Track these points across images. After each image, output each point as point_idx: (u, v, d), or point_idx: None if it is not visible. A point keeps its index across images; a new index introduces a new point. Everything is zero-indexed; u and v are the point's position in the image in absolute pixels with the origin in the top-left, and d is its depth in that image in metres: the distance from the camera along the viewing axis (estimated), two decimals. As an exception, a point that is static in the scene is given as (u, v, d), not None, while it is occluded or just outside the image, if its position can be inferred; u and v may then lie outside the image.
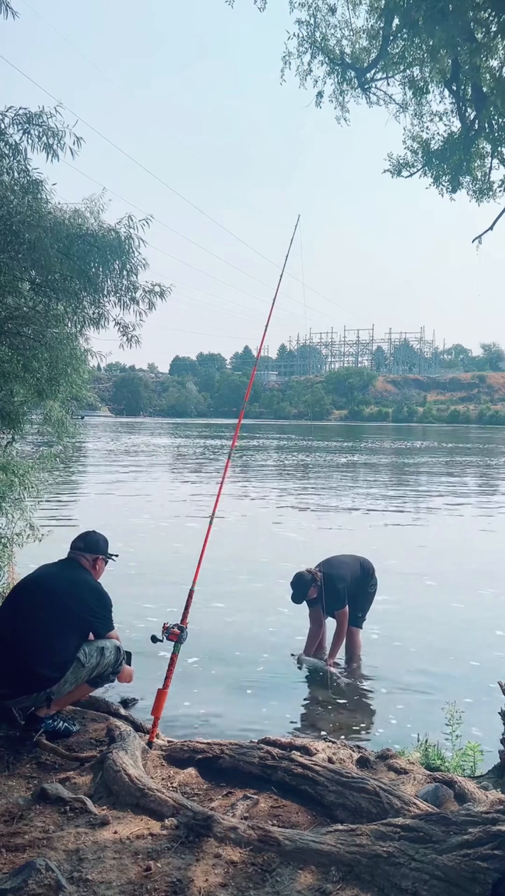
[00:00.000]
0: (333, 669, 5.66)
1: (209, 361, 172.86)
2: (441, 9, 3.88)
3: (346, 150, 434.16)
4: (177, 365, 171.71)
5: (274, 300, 4.76)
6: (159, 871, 2.43)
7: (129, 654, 3.98)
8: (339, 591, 5.73)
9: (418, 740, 4.13)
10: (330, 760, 3.51)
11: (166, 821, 2.75)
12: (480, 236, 6.04)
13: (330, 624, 5.98)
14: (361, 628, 6.03)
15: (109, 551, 4.10)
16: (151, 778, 3.18)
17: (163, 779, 3.29)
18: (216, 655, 5.90)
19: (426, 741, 4.07)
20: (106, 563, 4.07)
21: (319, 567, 5.90)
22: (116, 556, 4.15)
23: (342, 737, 4.41)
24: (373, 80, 6.30)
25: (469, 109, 5.50)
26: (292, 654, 5.94)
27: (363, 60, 6.26)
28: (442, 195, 6.14)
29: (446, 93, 5.84)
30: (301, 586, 5.72)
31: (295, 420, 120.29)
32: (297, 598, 5.78)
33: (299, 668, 5.76)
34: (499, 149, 5.57)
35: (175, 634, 3.69)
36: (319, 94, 6.44)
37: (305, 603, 5.95)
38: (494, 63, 5.09)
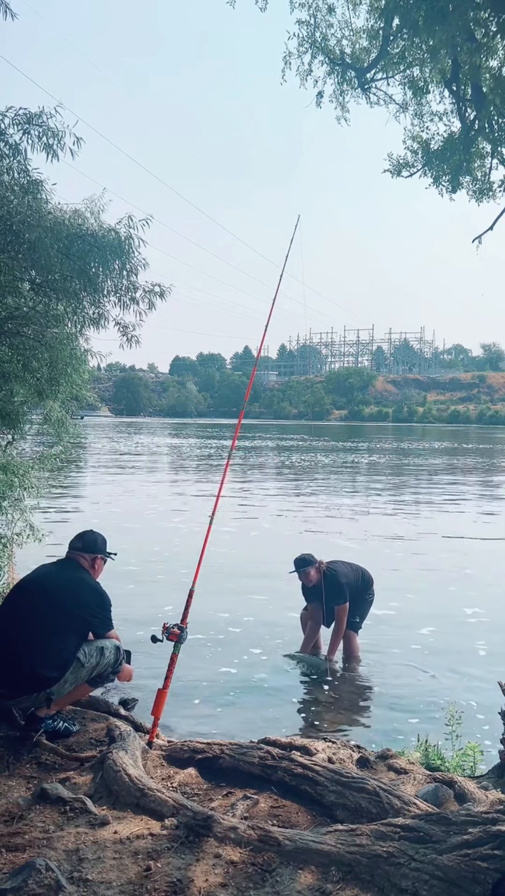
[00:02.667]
0: (334, 666, 5.67)
1: (209, 361, 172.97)
2: (441, 9, 3.87)
3: (346, 150, 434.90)
4: (177, 365, 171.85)
5: (274, 300, 4.77)
6: (159, 871, 2.43)
7: (128, 653, 3.98)
8: (341, 585, 5.76)
9: (418, 740, 4.13)
10: (330, 760, 3.50)
11: (166, 821, 2.75)
12: (480, 236, 6.04)
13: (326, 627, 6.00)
14: (357, 633, 6.04)
15: (109, 550, 4.10)
16: (151, 778, 3.17)
17: (163, 779, 3.29)
18: (216, 655, 5.91)
19: (426, 741, 4.07)
20: (105, 562, 4.07)
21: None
22: (115, 554, 4.15)
23: (342, 737, 4.41)
24: (373, 80, 6.30)
25: (469, 109, 5.50)
26: (290, 655, 5.94)
27: (363, 60, 6.26)
28: (442, 195, 6.15)
29: (446, 93, 5.85)
30: (304, 562, 5.79)
31: (295, 420, 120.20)
32: (297, 566, 5.81)
33: (298, 666, 5.76)
34: (499, 149, 5.57)
35: (175, 634, 3.69)
36: (320, 94, 6.44)
37: (301, 599, 5.97)
38: (494, 63, 5.09)
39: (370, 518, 14.40)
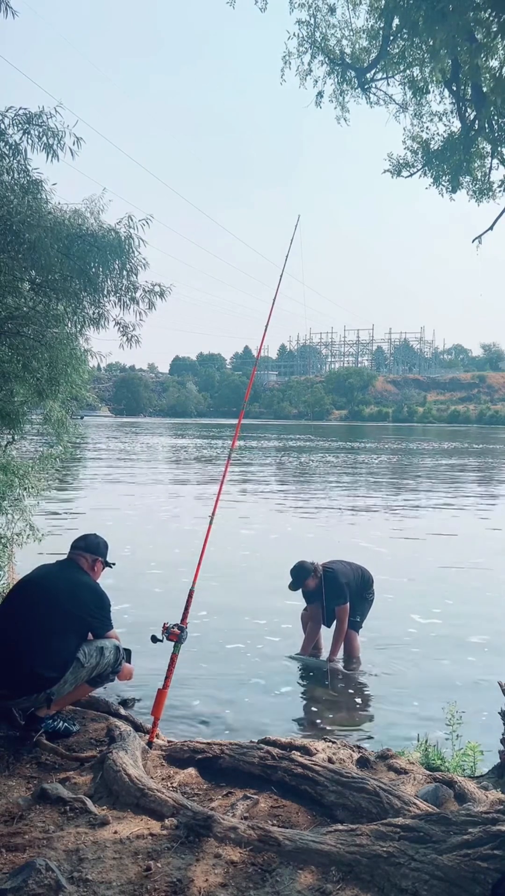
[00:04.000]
0: (336, 666, 5.66)
1: (209, 361, 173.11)
2: (441, 9, 3.87)
3: (346, 150, 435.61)
4: (177, 365, 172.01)
5: (274, 300, 4.77)
6: (159, 871, 2.43)
7: (128, 652, 3.98)
8: (341, 585, 5.74)
9: (418, 740, 4.13)
10: (330, 760, 3.50)
11: (166, 821, 2.75)
12: (480, 236, 6.04)
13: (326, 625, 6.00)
14: (357, 633, 6.04)
15: (110, 559, 4.11)
16: (151, 778, 3.17)
17: (163, 779, 3.29)
18: (216, 655, 5.91)
19: (426, 741, 4.07)
20: (104, 567, 4.08)
21: (322, 564, 5.93)
22: (114, 564, 4.16)
23: (342, 737, 4.41)
24: (373, 80, 6.31)
25: (469, 109, 5.50)
26: (291, 656, 5.95)
27: (363, 60, 6.26)
28: (442, 195, 6.16)
29: (446, 93, 5.85)
30: (300, 573, 5.75)
31: (295, 420, 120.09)
32: (295, 585, 5.79)
33: (298, 666, 5.76)
34: (499, 149, 5.57)
35: (175, 634, 3.70)
36: (319, 94, 6.45)
37: (302, 599, 5.97)
38: (494, 63, 5.09)
39: (393, 519, 14.25)
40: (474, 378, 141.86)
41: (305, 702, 5.15)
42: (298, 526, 13.02)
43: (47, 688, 3.55)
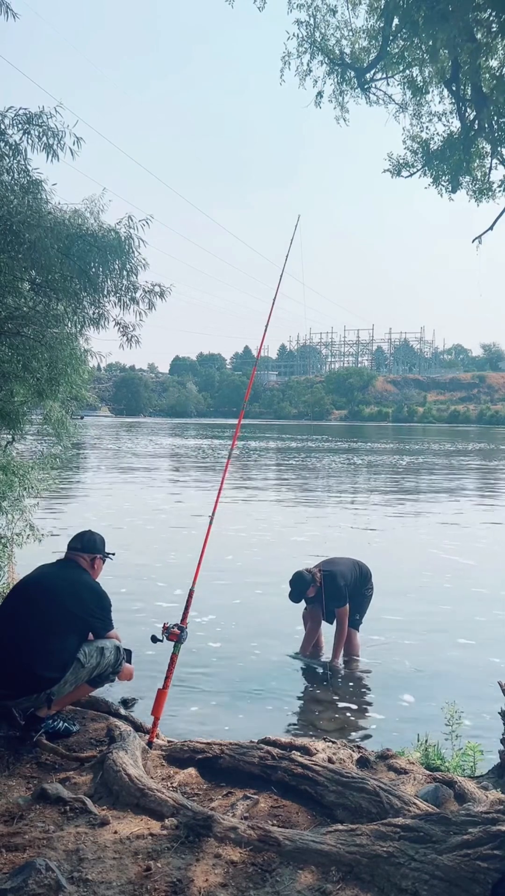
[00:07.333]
0: (336, 666, 5.66)
1: (209, 361, 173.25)
2: (441, 9, 3.87)
3: (346, 150, 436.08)
4: (177, 365, 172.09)
5: (274, 300, 4.77)
6: (159, 871, 2.43)
7: (129, 653, 3.98)
8: (340, 588, 5.74)
9: (418, 740, 4.13)
10: (330, 760, 3.50)
11: (166, 821, 2.75)
12: (480, 236, 6.05)
13: (326, 624, 5.99)
14: (357, 630, 6.03)
15: (107, 550, 4.10)
16: (151, 778, 3.17)
17: (163, 779, 3.29)
18: (216, 655, 5.91)
19: (426, 741, 4.07)
20: (104, 561, 4.07)
21: (319, 567, 5.91)
22: (113, 554, 4.16)
23: (342, 737, 4.40)
24: (373, 80, 6.31)
25: (469, 109, 5.50)
26: (291, 655, 5.95)
27: (363, 60, 6.26)
28: (441, 195, 6.17)
29: (446, 93, 5.85)
30: (300, 584, 5.72)
31: (295, 420, 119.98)
32: (295, 597, 5.78)
33: (298, 667, 5.76)
34: (499, 149, 5.57)
35: (175, 634, 3.69)
36: (319, 94, 6.45)
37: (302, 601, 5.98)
38: (494, 63, 5.10)
39: (432, 522, 14.04)
40: (474, 378, 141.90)
41: (304, 702, 5.15)
42: (350, 532, 12.55)
43: (47, 688, 3.55)
